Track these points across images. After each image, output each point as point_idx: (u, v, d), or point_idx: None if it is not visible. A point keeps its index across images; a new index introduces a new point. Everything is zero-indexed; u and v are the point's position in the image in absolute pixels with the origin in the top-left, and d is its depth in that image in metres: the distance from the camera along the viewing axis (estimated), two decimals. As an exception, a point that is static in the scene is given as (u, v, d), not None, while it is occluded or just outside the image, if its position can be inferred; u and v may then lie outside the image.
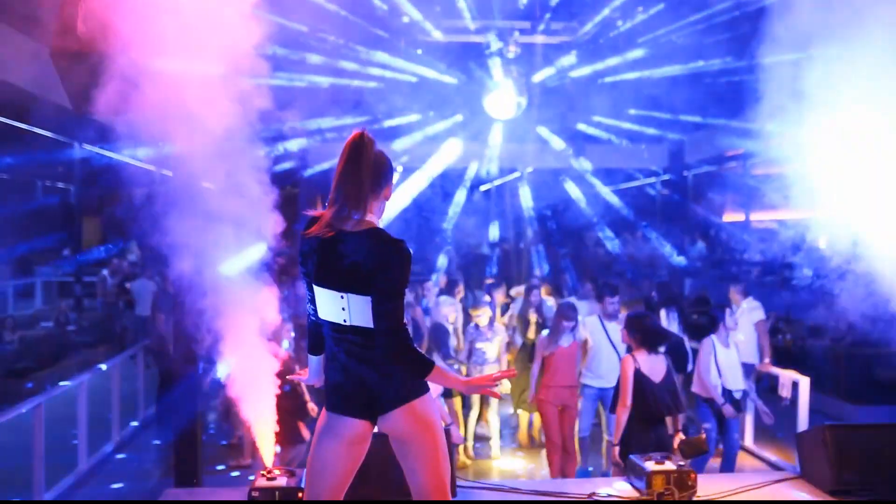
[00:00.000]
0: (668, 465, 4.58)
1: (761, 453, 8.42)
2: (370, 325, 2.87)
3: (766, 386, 10.06)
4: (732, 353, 6.95)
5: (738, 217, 16.81)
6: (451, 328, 8.04)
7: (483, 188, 20.90)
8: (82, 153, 12.33)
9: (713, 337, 6.91)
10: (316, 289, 2.97)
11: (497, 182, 20.12)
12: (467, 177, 14.55)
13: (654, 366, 5.51)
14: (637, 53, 8.68)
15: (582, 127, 11.96)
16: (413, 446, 2.97)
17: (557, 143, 12.56)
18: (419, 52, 9.20)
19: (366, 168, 2.89)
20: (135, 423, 9.51)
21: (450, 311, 7.98)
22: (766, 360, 8.48)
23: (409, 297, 9.32)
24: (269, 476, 4.40)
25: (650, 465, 4.59)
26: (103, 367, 8.75)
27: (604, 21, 7.91)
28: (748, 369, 8.52)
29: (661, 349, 5.70)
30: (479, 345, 8.10)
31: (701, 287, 14.60)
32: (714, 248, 16.68)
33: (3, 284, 15.07)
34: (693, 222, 16.28)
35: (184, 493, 4.64)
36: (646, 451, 4.94)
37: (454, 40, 8.65)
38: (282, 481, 4.28)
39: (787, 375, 8.39)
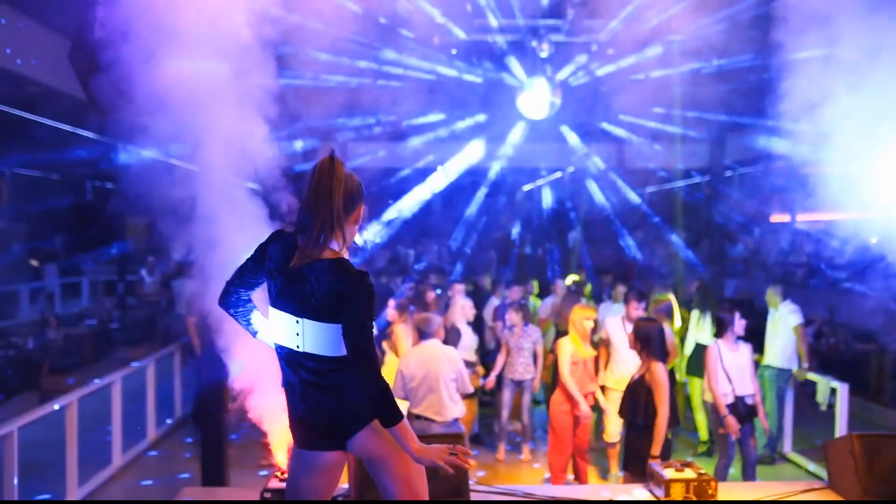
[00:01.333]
0: (688, 473, 4.47)
1: (800, 461, 8.20)
2: (325, 352, 2.84)
3: (809, 392, 9.81)
4: (742, 356, 6.61)
5: (783, 218, 16.46)
6: (468, 328, 8.04)
7: (526, 188, 20.83)
8: (126, 153, 12.51)
9: (720, 342, 6.65)
10: (272, 311, 2.92)
11: (539, 182, 20.04)
12: (491, 177, 14.46)
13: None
14: (666, 50, 8.49)
15: (612, 127, 11.80)
16: (385, 464, 2.90)
17: (589, 143, 12.43)
18: (454, 51, 9.15)
19: (338, 193, 2.82)
20: (169, 421, 9.64)
21: (468, 312, 7.97)
22: (805, 365, 8.21)
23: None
24: (282, 477, 4.39)
25: (669, 473, 4.48)
26: (135, 364, 8.89)
27: (633, 17, 7.75)
28: (785, 375, 8.32)
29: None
30: (512, 344, 8.13)
31: (746, 289, 14.33)
32: (758, 249, 16.34)
33: (51, 283, 15.42)
34: (737, 223, 15.97)
35: (200, 492, 4.66)
36: (666, 459, 4.84)
37: (478, 39, 8.58)
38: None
39: (825, 381, 8.16)
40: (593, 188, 15.08)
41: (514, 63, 9.15)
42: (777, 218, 16.60)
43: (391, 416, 2.74)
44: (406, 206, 12.91)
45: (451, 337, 7.66)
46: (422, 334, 6.15)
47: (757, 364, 8.66)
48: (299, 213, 2.87)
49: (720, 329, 6.66)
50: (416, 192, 12.92)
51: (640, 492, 4.64)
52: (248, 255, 2.99)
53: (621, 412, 5.59)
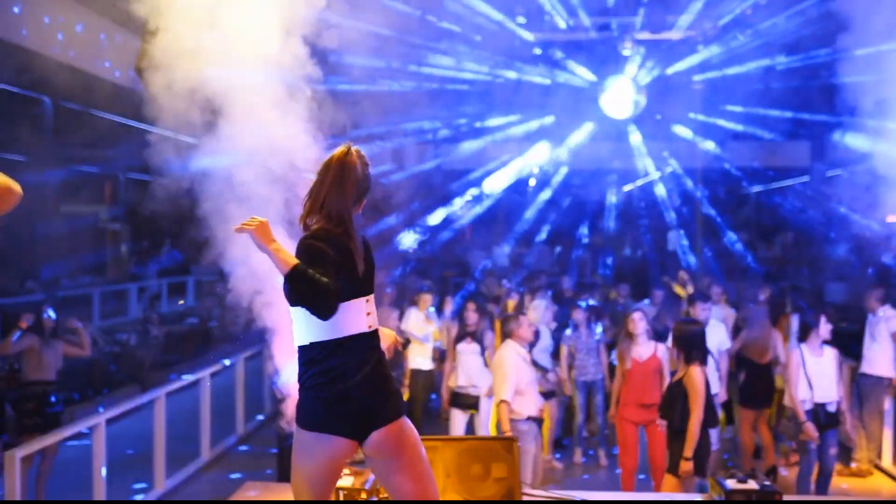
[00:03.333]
0: (751, 484, 4.30)
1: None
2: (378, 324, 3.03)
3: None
4: (825, 361, 6.32)
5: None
6: (547, 330, 8.00)
7: (626, 188, 20.44)
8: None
9: (803, 346, 6.36)
10: (346, 304, 2.85)
11: (639, 182, 19.63)
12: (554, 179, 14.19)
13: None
14: (753, 45, 8.18)
15: (684, 129, 11.47)
16: (403, 461, 2.95)
17: (676, 143, 12.12)
18: (537, 51, 9.10)
19: (350, 183, 2.94)
20: (260, 417, 9.93)
21: (537, 316, 7.90)
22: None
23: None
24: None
25: (731, 484, 4.32)
26: (227, 362, 9.21)
27: (713, 10, 7.50)
28: (884, 383, 7.87)
29: None
30: (580, 345, 8.08)
31: (851, 293, 13.66)
32: (864, 251, 15.54)
33: (156, 282, 16.11)
34: (847, 225, 15.21)
35: (260, 488, 4.77)
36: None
37: (548, 38, 8.51)
38: (347, 481, 4.29)
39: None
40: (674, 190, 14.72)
41: (585, 63, 9.03)
42: (893, 218, 15.72)
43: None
44: (484, 205, 12.88)
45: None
46: (503, 334, 6.31)
47: (854, 372, 8.25)
48: (337, 207, 2.91)
49: (804, 333, 6.40)
50: (496, 189, 12.82)
51: (699, 501, 4.50)
52: (329, 263, 2.79)
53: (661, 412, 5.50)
